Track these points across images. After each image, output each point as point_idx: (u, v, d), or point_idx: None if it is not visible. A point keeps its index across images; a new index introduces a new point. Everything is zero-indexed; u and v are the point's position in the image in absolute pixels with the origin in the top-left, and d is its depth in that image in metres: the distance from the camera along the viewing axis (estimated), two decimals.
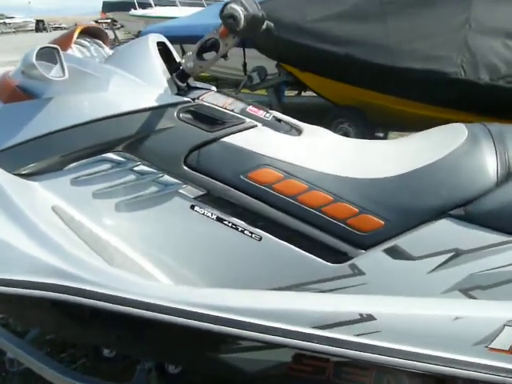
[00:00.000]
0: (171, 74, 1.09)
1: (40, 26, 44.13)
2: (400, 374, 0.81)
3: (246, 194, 0.99)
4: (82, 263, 0.90)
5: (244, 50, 3.79)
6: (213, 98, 1.11)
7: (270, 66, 3.75)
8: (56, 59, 0.99)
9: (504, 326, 0.79)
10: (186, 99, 1.04)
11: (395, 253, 0.94)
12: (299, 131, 1.15)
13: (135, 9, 10.05)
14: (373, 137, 3.44)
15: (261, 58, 3.73)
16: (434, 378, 0.79)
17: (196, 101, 1.06)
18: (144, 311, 0.85)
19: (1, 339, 1.24)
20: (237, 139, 1.01)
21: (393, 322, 0.81)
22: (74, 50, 1.13)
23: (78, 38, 1.13)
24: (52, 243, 0.91)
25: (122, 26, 13.15)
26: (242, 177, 0.99)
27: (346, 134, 3.33)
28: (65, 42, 1.09)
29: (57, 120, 1.02)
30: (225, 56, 1.10)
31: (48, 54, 0.99)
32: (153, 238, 1.02)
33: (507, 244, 0.89)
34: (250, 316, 0.82)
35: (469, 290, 0.93)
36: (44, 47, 0.97)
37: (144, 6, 10.23)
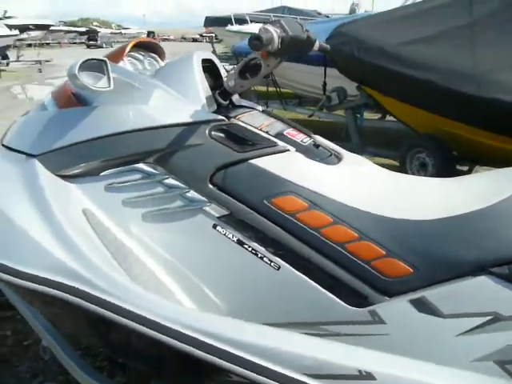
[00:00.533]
0: (213, 91, 1.09)
1: (150, 37, 47.92)
2: None
3: (268, 220, 0.95)
4: (96, 269, 0.91)
5: (325, 70, 3.75)
6: (251, 118, 1.09)
7: (351, 87, 3.66)
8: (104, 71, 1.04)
9: None
10: (219, 117, 1.04)
11: (422, 306, 0.84)
12: (339, 159, 1.09)
13: (232, 24, 10.51)
14: (454, 170, 3.19)
15: (343, 78, 3.67)
16: None
17: (232, 120, 1.05)
18: (145, 328, 0.84)
19: (39, 326, 1.32)
20: (264, 162, 0.98)
21: None
22: (126, 63, 1.18)
23: (132, 51, 1.18)
24: (73, 245, 0.94)
25: (221, 40, 13.78)
26: (265, 201, 0.95)
27: (424, 165, 3.13)
28: (118, 55, 1.14)
29: (99, 127, 1.06)
30: (267, 76, 1.08)
31: (99, 66, 1.05)
32: (173, 252, 1.02)
33: None
34: (244, 350, 0.78)
35: (505, 363, 0.80)
36: (91, 59, 1.02)
37: (242, 21, 10.64)
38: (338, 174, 1.01)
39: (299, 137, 1.08)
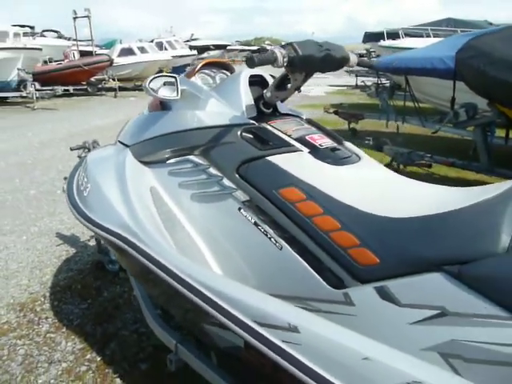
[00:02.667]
0: (255, 100, 1.33)
1: None
2: None
3: (275, 207, 1.14)
4: (147, 231, 1.23)
5: (454, 84, 3.58)
6: (282, 124, 1.29)
7: (482, 102, 3.44)
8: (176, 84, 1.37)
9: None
10: (250, 122, 1.27)
11: (384, 294, 0.93)
12: (353, 162, 1.21)
13: (384, 40, 10.38)
14: None
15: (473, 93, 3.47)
16: None
17: (262, 124, 1.27)
18: (170, 279, 1.12)
19: (132, 281, 1.72)
20: (277, 159, 1.17)
21: (313, 341, 0.84)
22: (197, 78, 1.49)
23: (206, 69, 1.49)
24: (136, 212, 1.28)
25: (378, 56, 13.66)
26: (274, 191, 1.14)
27: None
28: (191, 72, 1.47)
29: (169, 126, 1.39)
30: (298, 89, 1.27)
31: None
32: (208, 225, 1.28)
33: (501, 320, 0.79)
34: (232, 304, 1.00)
35: (449, 356, 0.85)
36: (163, 75, 1.36)
37: (396, 36, 10.43)
38: (339, 174, 1.14)
39: (320, 141, 1.24)
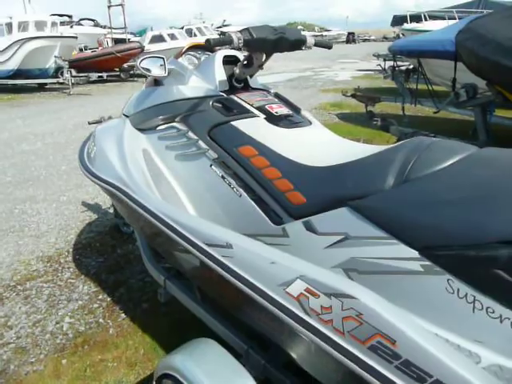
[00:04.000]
0: (229, 77, 1.59)
1: (350, 38, 48.38)
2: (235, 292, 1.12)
3: (235, 162, 1.40)
4: (137, 184, 1.53)
5: (455, 65, 3.69)
6: (248, 96, 1.55)
7: (483, 82, 3.54)
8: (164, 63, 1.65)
9: (297, 278, 0.98)
10: (220, 94, 1.53)
11: (309, 226, 1.19)
12: (302, 126, 1.46)
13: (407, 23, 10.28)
14: None
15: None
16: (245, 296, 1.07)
17: (230, 96, 1.53)
18: (153, 220, 1.41)
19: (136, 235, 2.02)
20: (239, 123, 1.43)
21: (240, 253, 1.12)
22: (184, 59, 1.76)
23: (192, 51, 1.76)
24: (128, 168, 1.58)
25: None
26: (234, 149, 1.41)
27: None
28: (179, 54, 1.77)
29: (158, 99, 1.68)
30: (260, 66, 1.52)
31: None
32: (186, 180, 1.56)
33: (384, 240, 1.03)
34: (189, 232, 1.28)
35: (349, 270, 1.10)
36: (153, 56, 1.65)
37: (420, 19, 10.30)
38: (286, 135, 1.39)
39: (276, 109, 1.49)
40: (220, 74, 1.59)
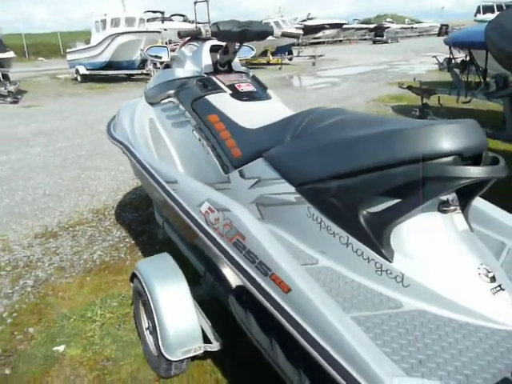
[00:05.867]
0: (213, 61, 1.99)
1: (442, 30, 45.63)
2: None
3: (205, 127, 1.82)
4: (140, 144, 2.01)
5: (486, 55, 3.72)
6: (225, 77, 1.94)
7: None
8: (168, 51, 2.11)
9: (205, 200, 1.38)
10: (202, 75, 1.94)
11: (241, 173, 1.58)
12: (260, 101, 1.83)
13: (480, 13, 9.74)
14: None
15: None
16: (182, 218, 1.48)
17: (210, 76, 1.94)
18: (146, 174, 1.88)
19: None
20: (210, 97, 1.83)
21: (181, 187, 1.54)
22: (186, 47, 2.20)
23: (194, 41, 2.19)
24: (135, 132, 2.07)
25: None
26: (205, 117, 1.82)
27: None
28: (181, 44, 2.18)
29: (165, 78, 2.14)
30: (234, 53, 1.91)
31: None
32: (177, 142, 2.00)
33: (276, 180, 1.39)
34: (171, 187, 1.71)
35: (259, 204, 1.48)
36: (158, 46, 2.11)
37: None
38: (242, 107, 1.77)
39: (243, 87, 1.87)
40: (206, 59, 2.01)
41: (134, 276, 1.69)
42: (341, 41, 36.72)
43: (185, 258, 1.92)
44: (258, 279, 1.14)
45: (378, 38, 34.29)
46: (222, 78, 1.95)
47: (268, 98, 1.89)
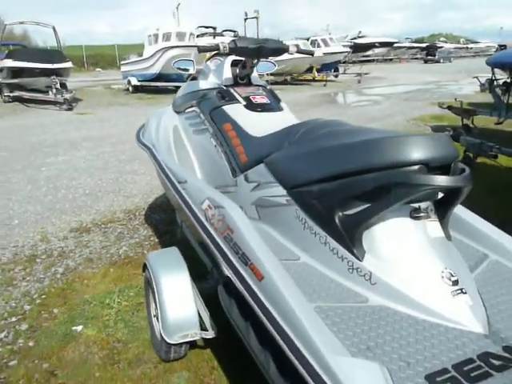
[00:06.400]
0: (233, 75, 2.16)
1: (499, 50, 44.07)
2: None
3: (220, 134, 1.97)
4: (162, 150, 2.20)
5: (510, 73, 3.67)
6: (243, 89, 2.10)
7: None
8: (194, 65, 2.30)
9: (205, 198, 1.52)
10: (222, 87, 2.11)
11: (246, 177, 1.72)
12: (272, 112, 1.96)
13: None
14: None
15: None
16: (187, 215, 1.63)
17: (228, 88, 2.10)
18: (165, 179, 2.06)
19: None
20: (227, 107, 1.99)
21: (189, 187, 1.69)
22: (211, 62, 2.38)
23: (219, 56, 2.37)
24: (159, 139, 2.26)
25: None
26: (220, 125, 1.98)
27: None
28: (209, 58, 2.37)
29: (191, 89, 2.32)
30: (252, 68, 2.06)
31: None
32: (197, 148, 2.17)
33: (272, 183, 1.52)
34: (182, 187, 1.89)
35: (258, 206, 1.61)
36: (185, 59, 2.30)
37: None
38: (254, 117, 1.91)
39: (257, 99, 2.01)
40: (227, 72, 2.17)
41: (145, 266, 1.85)
42: (391, 59, 36.35)
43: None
44: (239, 268, 1.26)
45: (429, 57, 33.66)
46: (240, 90, 2.10)
47: (280, 109, 2.03)
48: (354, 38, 32.97)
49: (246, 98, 2.04)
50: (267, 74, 14.63)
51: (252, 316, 1.22)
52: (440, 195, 1.27)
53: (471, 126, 4.98)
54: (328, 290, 1.19)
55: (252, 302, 1.18)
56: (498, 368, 0.95)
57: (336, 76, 17.29)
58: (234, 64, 2.19)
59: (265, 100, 2.05)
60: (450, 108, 6.58)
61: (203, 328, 1.65)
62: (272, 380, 1.15)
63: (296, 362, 0.99)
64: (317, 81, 16.15)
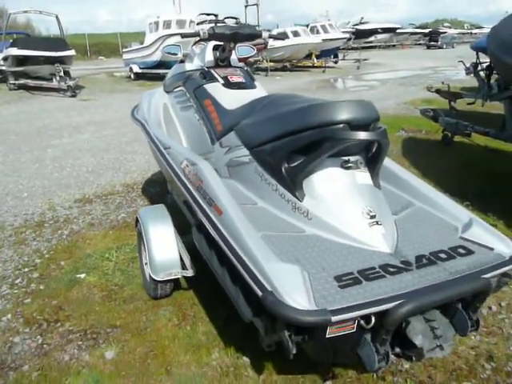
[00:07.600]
0: (215, 58, 2.46)
1: None
2: None
3: (202, 109, 2.28)
4: (153, 125, 2.52)
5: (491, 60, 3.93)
6: (222, 70, 2.40)
7: None
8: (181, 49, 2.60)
9: (184, 158, 1.84)
10: (204, 68, 2.41)
11: (221, 144, 2.03)
12: (247, 89, 2.27)
13: None
14: None
15: None
16: (170, 174, 1.95)
17: (209, 69, 2.40)
18: (154, 147, 2.37)
19: None
20: (207, 86, 2.30)
21: (172, 152, 2.00)
22: (197, 46, 2.68)
23: (203, 41, 2.66)
24: (149, 115, 2.58)
25: None
26: (202, 101, 2.29)
27: None
28: (194, 43, 2.66)
29: (178, 71, 2.62)
30: (230, 51, 2.36)
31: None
32: (183, 122, 2.48)
33: (239, 146, 1.83)
34: (170, 155, 2.21)
35: (229, 166, 1.92)
36: (173, 44, 2.60)
37: None
38: (230, 94, 2.21)
39: (234, 78, 2.32)
40: (209, 56, 2.47)
41: (137, 221, 2.18)
42: (394, 45, 36.17)
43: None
44: (206, 208, 1.59)
45: (432, 42, 33.47)
46: (219, 71, 2.41)
47: (253, 87, 2.33)
48: (356, 24, 32.74)
49: (225, 78, 2.34)
50: (267, 61, 14.85)
51: (214, 244, 1.55)
52: (368, 152, 1.58)
53: (451, 107, 5.25)
54: (274, 223, 1.51)
55: (214, 233, 1.50)
56: (392, 273, 1.27)
57: (335, 62, 17.44)
58: (216, 48, 2.49)
59: (240, 79, 2.36)
60: (437, 91, 6.82)
61: (184, 268, 1.98)
62: (228, 289, 1.48)
63: (243, 271, 1.31)
64: (316, 67, 16.31)
